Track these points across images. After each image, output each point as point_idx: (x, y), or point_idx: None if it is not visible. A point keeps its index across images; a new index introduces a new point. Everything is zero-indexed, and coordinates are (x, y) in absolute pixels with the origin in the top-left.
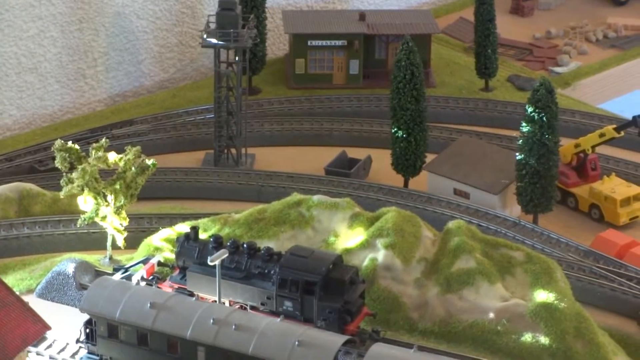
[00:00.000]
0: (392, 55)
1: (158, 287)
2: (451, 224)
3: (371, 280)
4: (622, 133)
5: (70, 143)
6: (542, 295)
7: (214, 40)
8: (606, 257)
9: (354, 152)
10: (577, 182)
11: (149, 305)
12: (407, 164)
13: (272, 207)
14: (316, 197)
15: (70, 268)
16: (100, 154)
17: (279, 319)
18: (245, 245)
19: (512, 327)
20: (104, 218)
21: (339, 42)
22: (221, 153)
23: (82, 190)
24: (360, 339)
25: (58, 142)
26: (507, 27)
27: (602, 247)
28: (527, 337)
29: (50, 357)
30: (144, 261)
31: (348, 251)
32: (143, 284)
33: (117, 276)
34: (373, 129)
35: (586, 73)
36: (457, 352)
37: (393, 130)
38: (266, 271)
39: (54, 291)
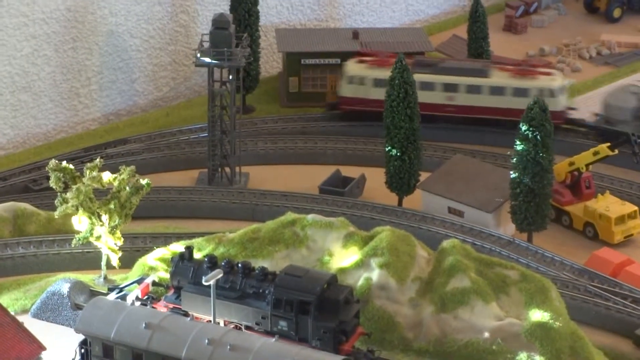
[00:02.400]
0: None
1: (153, 307)
2: (445, 243)
3: (366, 300)
4: (617, 151)
5: (64, 163)
6: (537, 315)
7: (207, 59)
8: (601, 276)
9: (348, 171)
10: (571, 200)
11: (144, 325)
12: (401, 183)
13: (266, 227)
14: (310, 217)
15: (65, 288)
16: (94, 173)
17: (274, 339)
18: (239, 265)
19: (507, 346)
20: (98, 238)
21: (332, 61)
22: (215, 172)
23: (77, 210)
24: (355, 359)
25: (52, 162)
26: (500, 44)
27: (596, 265)
28: (522, 357)
29: None
30: (139, 281)
31: (343, 271)
32: (138, 304)
33: (112, 296)
34: (367, 147)
35: (579, 90)
36: None
37: (387, 149)
38: (261, 291)
39: (48, 311)
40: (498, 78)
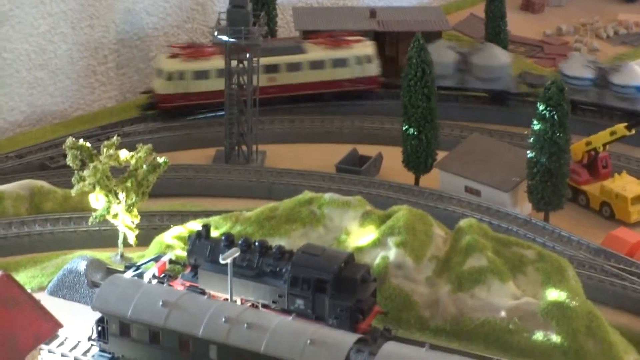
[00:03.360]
0: (402, 52)
1: (170, 285)
2: (462, 223)
3: (383, 279)
4: (634, 131)
5: (81, 140)
6: (554, 294)
7: (224, 38)
8: (617, 255)
9: (365, 150)
10: (588, 179)
11: (160, 303)
12: (418, 162)
13: (283, 205)
14: (327, 195)
15: (81, 266)
16: (111, 151)
17: (290, 318)
18: (257, 244)
19: (524, 325)
20: (115, 216)
21: None
22: (232, 150)
23: (94, 187)
24: (372, 338)
25: (69, 140)
26: (517, 23)
27: (613, 245)
28: (539, 336)
29: (62, 355)
30: (156, 259)
31: (359, 249)
32: (155, 282)
33: (129, 274)
34: (384, 126)
35: None
36: (468, 350)
37: (404, 128)
38: (278, 269)
39: (65, 289)
40: (315, 52)
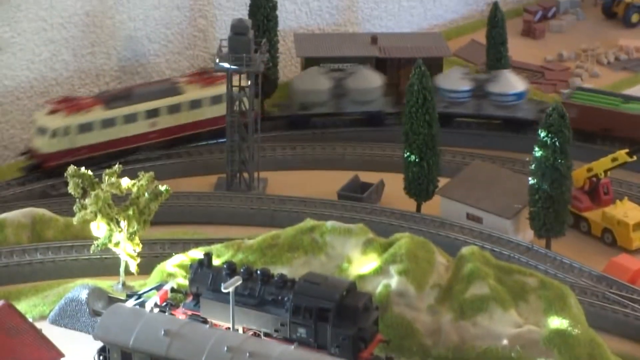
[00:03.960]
0: (404, 78)
1: (171, 314)
2: (465, 250)
3: (385, 307)
4: (635, 157)
5: (83, 169)
6: (556, 322)
7: (226, 65)
8: (619, 282)
9: (367, 177)
10: (589, 206)
11: (162, 332)
12: (420, 189)
13: (285, 233)
14: (329, 223)
15: (83, 294)
16: (113, 179)
17: (292, 346)
18: (258, 272)
19: (526, 353)
20: (117, 244)
21: (350, 66)
22: (234, 177)
23: (95, 216)
24: None
25: (71, 168)
26: (518, 49)
27: (614, 271)
28: None
29: None
30: (157, 287)
31: (362, 277)
32: (156, 310)
33: (130, 302)
34: (385, 153)
35: None
36: None
37: (406, 155)
38: (280, 298)
39: (67, 317)
40: (193, 92)
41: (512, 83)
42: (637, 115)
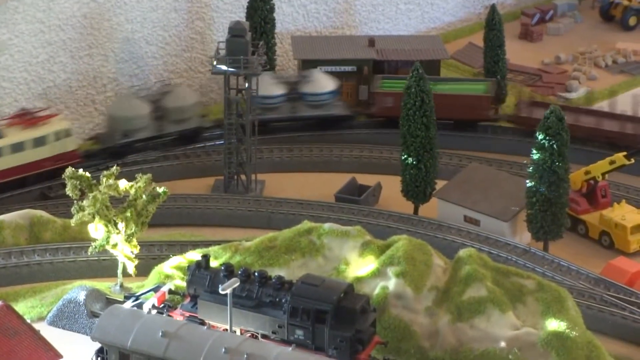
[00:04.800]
0: None
1: (169, 316)
2: (462, 252)
3: (382, 309)
4: (633, 160)
5: (81, 170)
6: (554, 324)
7: (224, 67)
8: (617, 285)
9: (364, 179)
10: (587, 209)
11: (160, 334)
12: (417, 191)
13: (282, 235)
14: (327, 225)
15: (81, 296)
16: (111, 181)
17: (290, 348)
18: (256, 274)
19: (524, 356)
20: (114, 245)
21: (348, 68)
22: (231, 179)
23: (93, 217)
24: None
25: (69, 170)
26: (516, 52)
27: (612, 274)
28: None
29: None
30: (155, 289)
31: (359, 279)
32: (154, 312)
33: (128, 304)
34: (383, 156)
35: (595, 99)
36: None
37: (403, 157)
38: (277, 300)
39: (65, 319)
40: (14, 135)
41: (323, 82)
42: (444, 94)
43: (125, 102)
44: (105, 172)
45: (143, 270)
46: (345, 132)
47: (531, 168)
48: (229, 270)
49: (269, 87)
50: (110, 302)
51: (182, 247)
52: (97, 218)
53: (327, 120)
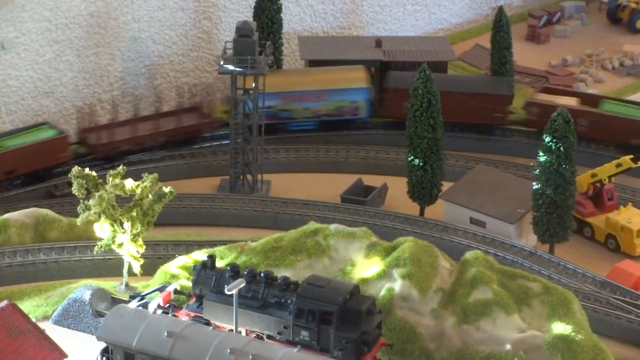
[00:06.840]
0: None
1: (174, 316)
2: (468, 255)
3: (388, 311)
4: (639, 163)
5: (87, 169)
6: (559, 327)
7: (231, 67)
8: (623, 288)
9: (370, 180)
10: (593, 212)
11: (165, 334)
12: (424, 193)
13: (288, 236)
14: (333, 226)
15: (86, 295)
16: (117, 181)
17: (295, 349)
18: (262, 274)
19: (529, 358)
20: (120, 245)
21: None
22: (237, 179)
23: (99, 217)
24: None
25: (75, 169)
26: (523, 54)
27: (618, 277)
28: None
29: None
30: (161, 289)
31: (365, 281)
32: (159, 312)
33: (134, 304)
34: (389, 157)
35: None
36: None
37: (409, 159)
38: (283, 300)
39: (70, 318)
40: None
41: None
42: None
43: None
44: (111, 172)
45: (148, 269)
46: (351, 133)
47: (538, 170)
48: (234, 271)
49: None
50: (115, 301)
51: (187, 247)
52: (103, 217)
53: (338, 122)
